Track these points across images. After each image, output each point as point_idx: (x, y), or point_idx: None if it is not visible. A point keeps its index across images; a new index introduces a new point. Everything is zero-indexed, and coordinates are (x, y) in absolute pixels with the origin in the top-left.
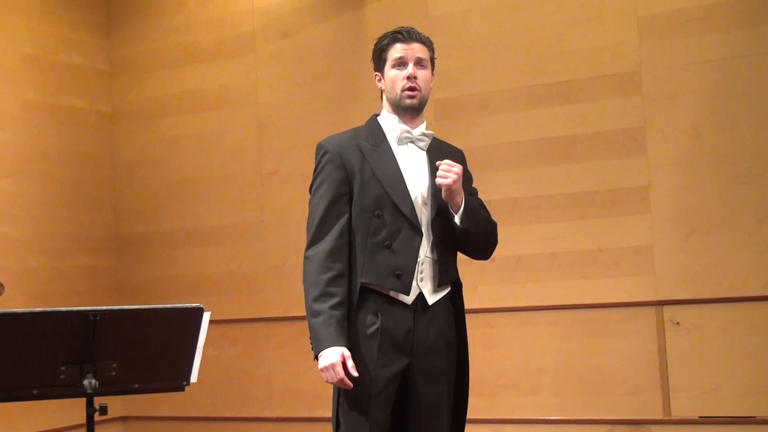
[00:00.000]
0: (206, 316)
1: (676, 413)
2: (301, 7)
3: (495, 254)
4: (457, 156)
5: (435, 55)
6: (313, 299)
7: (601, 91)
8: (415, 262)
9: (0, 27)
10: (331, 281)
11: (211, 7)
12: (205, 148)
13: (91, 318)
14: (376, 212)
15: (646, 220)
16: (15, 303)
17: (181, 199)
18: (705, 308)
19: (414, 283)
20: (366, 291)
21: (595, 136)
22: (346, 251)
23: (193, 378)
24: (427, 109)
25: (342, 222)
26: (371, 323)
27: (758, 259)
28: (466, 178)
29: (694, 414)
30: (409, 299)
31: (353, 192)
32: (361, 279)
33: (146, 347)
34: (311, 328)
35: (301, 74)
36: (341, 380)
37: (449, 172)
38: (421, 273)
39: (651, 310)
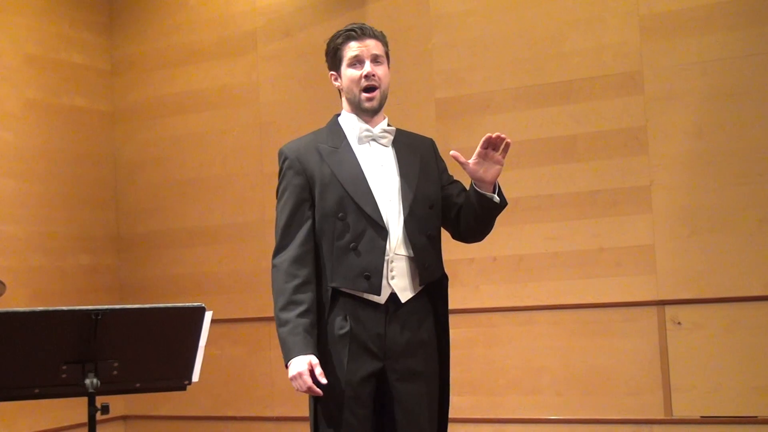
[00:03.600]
0: (208, 316)
1: (678, 413)
2: (302, 6)
3: (496, 254)
4: (427, 146)
5: (389, 49)
6: (280, 308)
7: (602, 91)
8: (383, 261)
9: (1, 26)
10: (297, 289)
11: (213, 7)
12: (206, 147)
13: (93, 317)
14: (339, 215)
15: (648, 220)
16: (16, 302)
17: (182, 198)
18: (706, 308)
19: (384, 282)
20: (337, 295)
21: (596, 136)
22: (312, 257)
23: (195, 377)
24: (428, 109)
25: (305, 228)
26: (341, 327)
27: (760, 258)
28: (442, 168)
29: (695, 414)
30: (380, 299)
31: (315, 197)
32: (331, 283)
33: (148, 346)
34: (279, 338)
35: (303, 73)
36: (309, 388)
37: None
38: (392, 272)
39: (652, 310)
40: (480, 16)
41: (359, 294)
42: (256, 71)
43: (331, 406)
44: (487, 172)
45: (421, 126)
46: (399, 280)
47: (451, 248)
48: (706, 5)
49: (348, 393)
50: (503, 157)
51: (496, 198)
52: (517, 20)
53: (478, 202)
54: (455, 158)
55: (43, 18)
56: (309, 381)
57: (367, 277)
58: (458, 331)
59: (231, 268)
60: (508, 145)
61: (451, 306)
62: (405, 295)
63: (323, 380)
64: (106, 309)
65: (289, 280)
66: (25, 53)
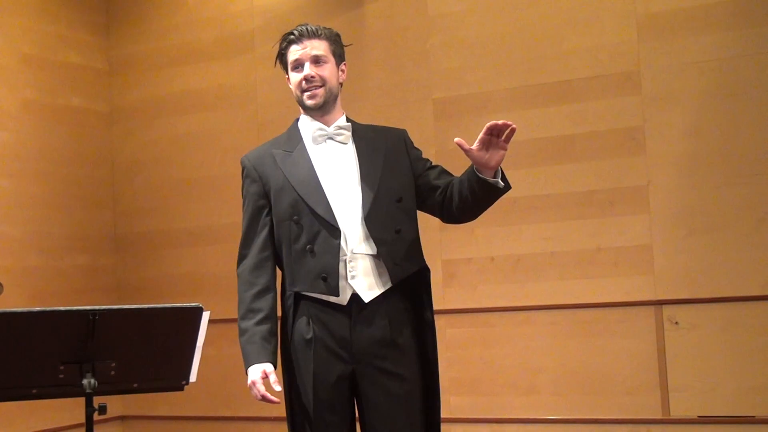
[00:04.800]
0: (205, 316)
1: (675, 413)
2: (300, 6)
3: (494, 254)
4: (395, 137)
5: (343, 44)
6: (240, 317)
7: (600, 91)
8: (338, 261)
9: None
10: (255, 297)
11: (211, 7)
12: (204, 147)
13: (90, 317)
14: (293, 218)
15: (645, 220)
16: (14, 302)
17: (180, 198)
18: (704, 308)
19: (343, 283)
20: (300, 299)
21: (594, 136)
22: (271, 264)
23: (193, 377)
24: (426, 109)
25: (263, 235)
26: (306, 332)
27: (757, 258)
28: (416, 156)
29: (693, 413)
30: (341, 300)
31: (272, 203)
32: (293, 288)
33: (145, 347)
34: (240, 346)
35: None
36: (264, 397)
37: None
38: (352, 271)
39: (650, 310)
40: (478, 16)
41: (319, 296)
42: (254, 71)
43: (303, 413)
44: (492, 158)
45: (419, 126)
46: (361, 280)
47: (449, 248)
48: (703, 5)
49: (318, 399)
50: (507, 143)
51: (501, 183)
52: (514, 20)
53: (480, 187)
54: (459, 145)
55: (40, 18)
56: (262, 390)
57: (324, 279)
58: (456, 331)
59: (228, 268)
60: (513, 131)
61: (448, 306)
62: (369, 294)
63: (277, 388)
64: (104, 309)
65: (248, 289)
66: (22, 53)
